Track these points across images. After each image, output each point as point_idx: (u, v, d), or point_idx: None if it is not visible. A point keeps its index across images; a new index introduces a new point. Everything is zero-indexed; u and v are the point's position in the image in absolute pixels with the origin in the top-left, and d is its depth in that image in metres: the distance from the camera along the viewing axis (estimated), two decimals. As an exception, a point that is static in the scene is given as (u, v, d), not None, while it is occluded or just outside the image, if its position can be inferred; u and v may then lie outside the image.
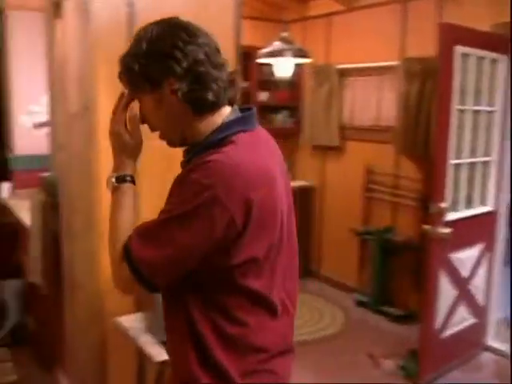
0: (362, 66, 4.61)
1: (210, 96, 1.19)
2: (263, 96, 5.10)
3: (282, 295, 1.28)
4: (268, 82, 5.09)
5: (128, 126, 1.31)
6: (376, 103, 4.59)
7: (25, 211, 3.69)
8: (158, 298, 2.05)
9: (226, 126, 1.21)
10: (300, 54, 4.07)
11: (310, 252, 5.37)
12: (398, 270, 4.43)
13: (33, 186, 4.26)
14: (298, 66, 4.56)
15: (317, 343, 3.98)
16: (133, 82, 1.23)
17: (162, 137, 1.28)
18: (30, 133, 4.25)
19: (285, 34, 4.02)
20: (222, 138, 1.19)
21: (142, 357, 2.39)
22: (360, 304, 4.65)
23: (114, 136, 1.35)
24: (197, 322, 1.21)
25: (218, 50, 1.23)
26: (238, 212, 1.11)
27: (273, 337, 1.27)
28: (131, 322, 2.32)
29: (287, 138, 5.51)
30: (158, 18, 1.26)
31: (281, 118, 5.29)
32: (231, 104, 1.27)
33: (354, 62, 4.69)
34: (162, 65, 1.17)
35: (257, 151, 1.20)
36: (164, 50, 1.17)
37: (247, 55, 4.19)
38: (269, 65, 4.60)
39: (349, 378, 3.40)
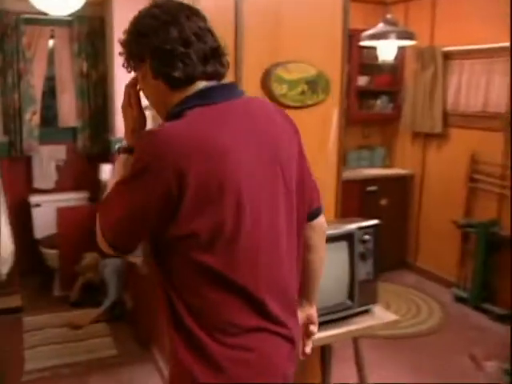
0: (468, 47, 4.32)
1: (177, 73, 1.24)
2: (362, 80, 4.93)
3: (257, 280, 1.29)
4: (368, 65, 4.91)
5: (131, 100, 1.43)
6: (484, 88, 4.30)
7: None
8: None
9: (185, 100, 1.26)
10: (405, 36, 3.88)
11: (406, 243, 5.17)
12: (503, 266, 4.15)
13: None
14: (399, 49, 4.36)
15: (413, 338, 3.83)
16: (126, 59, 1.35)
17: (155, 110, 1.37)
18: (132, 116, 4.35)
19: (389, 16, 3.85)
20: (178, 111, 1.25)
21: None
22: (459, 300, 4.42)
23: (121, 109, 1.47)
24: (175, 303, 1.27)
25: (197, 26, 1.27)
26: (173, 183, 1.16)
27: (241, 313, 1.28)
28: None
29: (386, 125, 5.33)
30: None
31: (380, 104, 5.11)
32: (211, 79, 1.30)
33: (460, 44, 4.41)
34: (140, 43, 1.28)
35: (206, 126, 1.22)
36: (141, 30, 1.28)
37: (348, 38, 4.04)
38: (369, 48, 4.43)
39: (448, 379, 3.23)
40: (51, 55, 4.62)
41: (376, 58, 4.35)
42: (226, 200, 1.20)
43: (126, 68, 1.37)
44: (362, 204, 4.76)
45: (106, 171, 4.43)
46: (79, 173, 4.85)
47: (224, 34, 2.20)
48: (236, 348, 1.27)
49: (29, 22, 4.34)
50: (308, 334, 1.62)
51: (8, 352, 3.42)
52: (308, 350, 1.60)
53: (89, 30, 4.54)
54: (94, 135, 4.72)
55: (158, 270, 1.32)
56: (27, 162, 4.64)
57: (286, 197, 1.34)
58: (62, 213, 4.20)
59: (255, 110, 1.35)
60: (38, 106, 4.52)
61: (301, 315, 1.54)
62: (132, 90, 1.43)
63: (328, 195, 2.46)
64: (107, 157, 4.67)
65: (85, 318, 3.84)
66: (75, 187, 4.81)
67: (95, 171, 4.56)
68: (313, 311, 1.63)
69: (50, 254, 4.27)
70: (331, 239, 2.11)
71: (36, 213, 4.53)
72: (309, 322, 1.61)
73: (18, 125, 4.41)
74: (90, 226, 4.17)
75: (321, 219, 1.53)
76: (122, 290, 4.02)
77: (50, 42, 4.59)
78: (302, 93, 2.38)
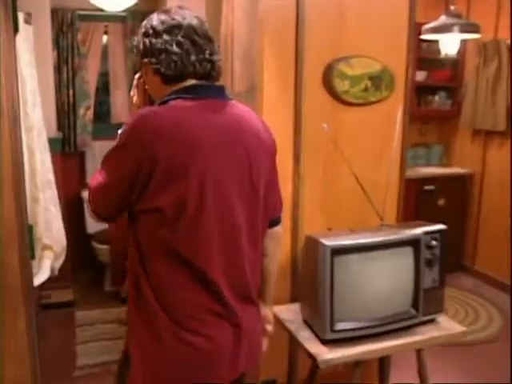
0: (537, 40, 4.09)
1: (169, 71, 1.41)
2: (420, 76, 4.74)
3: (214, 265, 1.40)
4: (426, 60, 4.71)
5: (138, 90, 1.59)
6: (553, 83, 4.05)
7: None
8: (318, 287, 1.95)
9: (172, 93, 1.41)
10: (469, 28, 3.67)
11: (463, 245, 4.96)
12: None
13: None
14: (461, 42, 4.15)
15: (471, 346, 3.64)
16: (136, 56, 1.51)
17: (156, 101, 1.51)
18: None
19: (452, 8, 3.65)
20: (163, 101, 1.41)
21: (296, 351, 2.30)
22: (520, 306, 4.20)
23: (130, 98, 1.64)
24: (139, 275, 1.41)
25: (195, 32, 1.42)
26: (145, 159, 1.31)
27: (195, 295, 1.40)
28: (287, 312, 2.22)
29: (444, 122, 5.11)
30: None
31: (438, 100, 4.90)
32: (201, 78, 1.44)
33: (527, 37, 4.17)
34: (145, 43, 1.44)
35: (183, 115, 1.37)
36: (146, 32, 1.45)
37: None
38: (428, 41, 4.24)
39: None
40: (105, 51, 4.63)
41: (435, 52, 4.15)
42: (190, 182, 1.33)
43: (136, 65, 1.53)
44: (418, 204, 4.58)
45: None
46: (131, 168, 4.85)
47: (285, 28, 2.12)
48: (186, 328, 1.39)
49: (83, 18, 4.36)
50: (263, 333, 1.70)
51: (61, 347, 3.44)
52: (264, 347, 1.70)
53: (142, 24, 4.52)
54: (147, 131, 4.70)
55: (131, 244, 1.45)
56: (80, 157, 4.67)
57: (252, 196, 1.47)
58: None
59: (236, 113, 1.47)
60: (91, 102, 4.54)
61: None
62: (138, 81, 1.59)
63: (390, 196, 2.34)
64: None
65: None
66: (127, 182, 4.81)
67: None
68: (267, 311, 1.72)
69: (102, 249, 4.29)
70: (395, 244, 2.00)
71: (88, 208, 4.55)
72: (264, 321, 1.69)
73: (72, 120, 4.44)
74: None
75: (279, 228, 1.68)
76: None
77: (104, 38, 4.60)
78: (365, 89, 2.26)
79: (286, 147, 2.22)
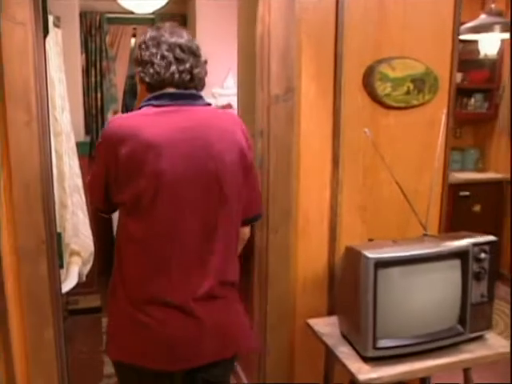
0: None
1: (147, 78, 1.58)
2: (456, 77, 4.58)
3: (171, 255, 1.54)
4: (462, 61, 4.54)
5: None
6: None
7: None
8: (360, 301, 1.84)
9: (147, 100, 1.58)
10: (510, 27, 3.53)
11: (499, 253, 4.78)
12: None
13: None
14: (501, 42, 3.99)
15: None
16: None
17: None
18: (213, 115, 4.25)
19: (493, 6, 3.51)
20: (139, 107, 1.59)
21: (332, 367, 2.19)
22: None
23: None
24: (116, 259, 1.63)
25: (179, 47, 1.57)
26: (111, 159, 1.51)
27: (152, 283, 1.54)
28: (324, 326, 2.12)
29: (480, 125, 4.94)
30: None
31: (474, 103, 4.74)
32: (178, 87, 1.58)
33: None
34: (137, 54, 1.61)
35: (145, 120, 1.53)
36: (140, 44, 1.61)
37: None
38: (464, 41, 4.09)
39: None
40: (133, 54, 4.58)
41: (471, 52, 4.00)
42: (145, 179, 1.48)
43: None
44: (453, 210, 4.42)
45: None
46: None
47: (323, 29, 2.02)
48: (140, 311, 1.54)
49: (112, 21, 4.33)
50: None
51: (88, 353, 3.38)
52: None
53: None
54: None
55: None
56: (108, 161, 4.63)
57: (220, 196, 1.56)
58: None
59: (205, 117, 1.60)
60: (119, 105, 4.50)
61: None
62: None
63: (433, 205, 2.22)
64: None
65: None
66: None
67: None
68: None
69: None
70: (442, 257, 1.89)
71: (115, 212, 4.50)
72: None
73: (100, 124, 4.40)
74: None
75: (247, 228, 1.77)
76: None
77: (133, 41, 4.56)
78: (407, 92, 2.15)
79: (324, 152, 2.12)
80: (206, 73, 1.71)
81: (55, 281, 1.93)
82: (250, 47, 2.50)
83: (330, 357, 2.04)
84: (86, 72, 4.28)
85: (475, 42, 3.92)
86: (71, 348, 3.26)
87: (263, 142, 2.04)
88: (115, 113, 4.45)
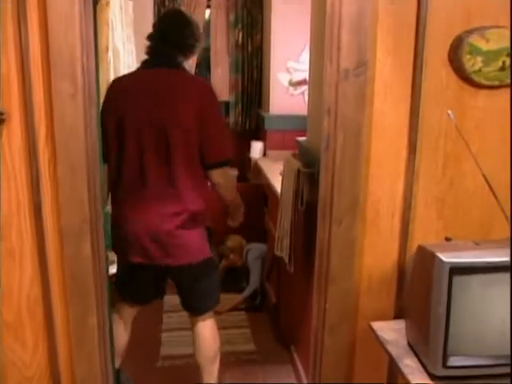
0: None
1: (146, 48, 2.28)
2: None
3: (135, 179, 2.17)
4: None
5: None
6: None
7: (275, 174, 3.51)
8: (431, 311, 1.60)
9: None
10: None
11: None
12: None
13: (285, 148, 4.09)
14: None
15: None
16: None
17: None
18: (286, 91, 4.03)
19: None
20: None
21: (395, 377, 1.96)
22: None
23: None
24: None
25: (169, 24, 2.27)
26: (105, 105, 2.19)
27: (124, 206, 2.22)
28: (389, 331, 1.88)
29: None
30: None
31: None
32: (161, 54, 2.24)
33: None
34: None
35: (127, 78, 2.35)
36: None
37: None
38: None
39: None
40: (207, 26, 4.44)
41: None
42: (115, 116, 2.14)
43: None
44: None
45: (257, 149, 4.17)
46: (229, 149, 4.66)
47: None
48: (121, 216, 2.25)
49: (186, -10, 4.18)
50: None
51: (148, 333, 3.33)
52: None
53: (246, -2, 4.28)
54: (247, 110, 4.49)
55: None
56: (178, 136, 4.55)
57: (168, 138, 2.11)
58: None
59: (171, 77, 2.19)
60: (192, 79, 4.38)
61: None
62: None
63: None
64: (259, 134, 4.43)
65: (224, 305, 3.65)
66: (224, 164, 4.64)
67: (246, 148, 4.35)
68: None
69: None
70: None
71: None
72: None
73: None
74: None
75: (214, 172, 2.25)
76: (263, 278, 3.76)
77: (207, 12, 4.41)
78: (502, 68, 1.84)
79: (399, 136, 1.86)
80: (195, 39, 2.25)
81: (100, 263, 1.83)
82: (323, 14, 2.26)
83: (394, 368, 1.82)
84: (159, 44, 4.18)
85: None
86: (132, 325, 3.22)
87: (330, 122, 1.81)
88: (188, 87, 4.35)
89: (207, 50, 4.51)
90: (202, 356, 2.47)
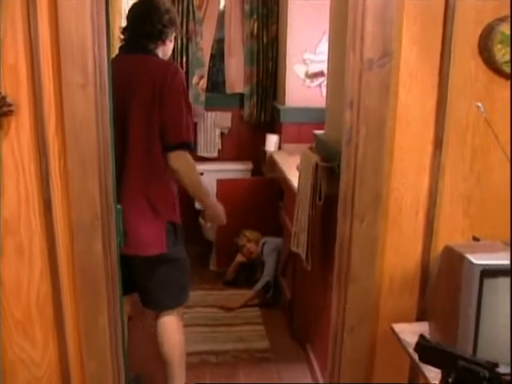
0: None
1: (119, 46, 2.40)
2: None
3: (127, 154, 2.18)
4: None
5: None
6: None
7: (291, 168, 3.43)
8: (459, 315, 1.52)
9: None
10: None
11: None
12: None
13: (301, 141, 4.00)
14: None
15: None
16: None
17: None
18: (302, 83, 3.93)
19: None
20: None
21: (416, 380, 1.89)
22: None
23: None
24: None
25: (142, 13, 2.27)
26: None
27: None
28: (411, 334, 1.80)
29: None
30: None
31: None
32: (134, 41, 2.29)
33: None
34: None
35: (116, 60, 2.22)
36: None
37: None
38: None
39: None
40: (221, 16, 4.35)
41: None
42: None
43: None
44: None
45: (272, 142, 4.09)
46: (244, 142, 4.58)
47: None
48: None
49: (201, -21, 4.10)
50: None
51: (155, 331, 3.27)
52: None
53: (262, -13, 4.19)
54: (262, 103, 4.39)
55: None
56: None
57: (132, 116, 2.15)
58: (223, 185, 3.95)
59: (139, 62, 2.22)
60: (205, 70, 4.30)
61: None
62: None
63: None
64: (274, 126, 4.34)
65: (237, 301, 3.60)
66: (239, 157, 4.56)
67: (260, 141, 4.26)
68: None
69: (208, 226, 4.09)
70: None
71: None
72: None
73: (185, 89, 4.24)
74: (251, 201, 3.87)
75: (171, 155, 2.16)
76: (278, 272, 3.69)
77: (222, 2, 4.32)
78: (535, 59, 1.74)
79: (424, 129, 1.77)
80: (163, 25, 2.23)
81: (111, 260, 1.76)
82: (344, 3, 2.17)
83: (416, 371, 1.74)
84: (173, 35, 4.11)
85: None
86: (143, 322, 3.18)
87: (352, 114, 1.72)
88: (201, 78, 4.26)
89: (220, 41, 4.43)
90: (162, 356, 2.40)
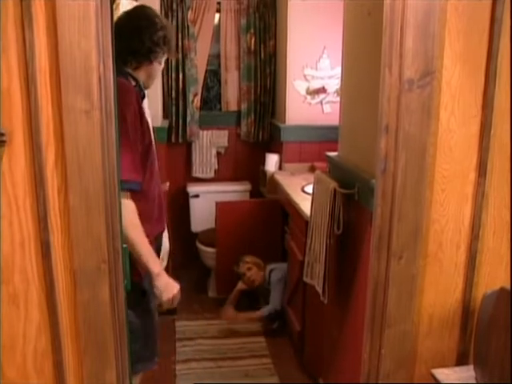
0: None
1: None
2: None
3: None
4: None
5: None
6: None
7: (296, 190, 3.26)
8: (501, 351, 1.34)
9: None
10: None
11: None
12: None
13: (302, 160, 3.83)
14: None
15: None
16: None
17: None
18: (303, 100, 3.76)
19: None
20: None
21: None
22: None
23: None
24: None
25: (132, 27, 1.98)
26: None
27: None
28: (455, 380, 1.62)
29: None
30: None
31: None
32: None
33: None
34: None
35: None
36: None
37: None
38: None
39: None
40: (216, 31, 4.17)
41: None
42: None
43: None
44: None
45: (273, 162, 3.90)
46: (241, 162, 4.39)
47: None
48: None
49: (195, -7, 3.93)
50: None
51: (161, 364, 3.04)
52: None
53: (258, 1, 4.02)
54: (260, 120, 4.22)
55: None
56: (187, 148, 4.28)
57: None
58: (222, 208, 3.75)
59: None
60: (199, 88, 4.11)
61: None
62: None
63: None
64: (272, 145, 4.16)
65: (240, 316, 3.47)
66: (236, 177, 4.37)
67: (259, 161, 4.09)
68: None
69: (207, 252, 3.88)
70: None
71: (194, 204, 4.17)
72: None
73: (182, 108, 4.04)
74: (252, 224, 3.67)
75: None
76: (283, 301, 3.49)
77: (217, 17, 4.14)
78: None
79: (467, 155, 1.60)
80: (155, 43, 1.98)
81: (119, 310, 1.55)
82: (363, 18, 2.00)
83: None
84: (167, 51, 3.92)
85: None
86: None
87: (389, 140, 1.54)
88: (196, 95, 4.08)
89: (215, 56, 4.25)
90: None
